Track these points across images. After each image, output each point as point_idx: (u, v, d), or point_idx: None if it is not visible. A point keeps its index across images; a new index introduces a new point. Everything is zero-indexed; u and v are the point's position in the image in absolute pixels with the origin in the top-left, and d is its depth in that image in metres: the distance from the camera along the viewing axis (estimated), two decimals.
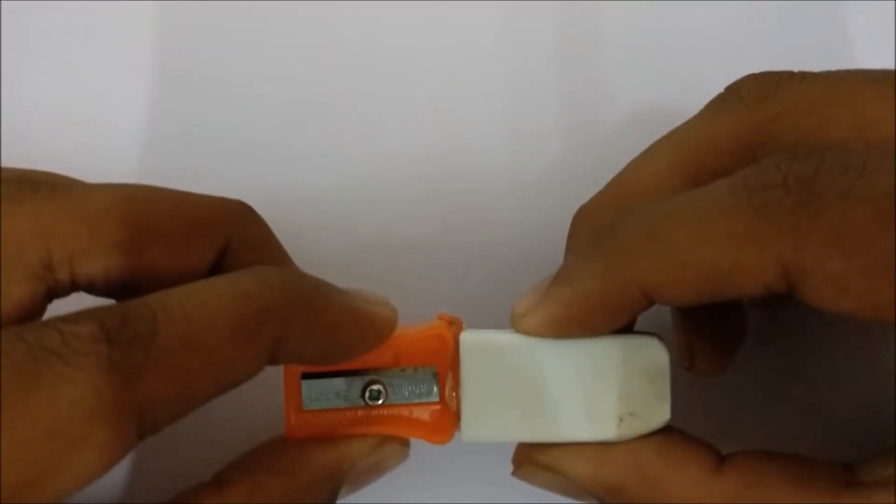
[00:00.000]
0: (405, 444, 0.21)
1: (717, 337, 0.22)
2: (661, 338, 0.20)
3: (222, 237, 0.20)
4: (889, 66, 0.27)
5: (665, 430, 0.20)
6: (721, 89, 0.21)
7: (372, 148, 0.28)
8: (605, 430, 0.19)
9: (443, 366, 0.20)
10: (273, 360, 0.18)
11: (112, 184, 0.20)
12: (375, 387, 0.20)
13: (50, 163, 0.22)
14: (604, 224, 0.19)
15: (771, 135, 0.19)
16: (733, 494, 0.18)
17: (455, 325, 0.20)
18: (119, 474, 0.25)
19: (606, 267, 0.18)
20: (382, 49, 0.29)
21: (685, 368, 0.22)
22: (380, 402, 0.20)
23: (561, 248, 0.24)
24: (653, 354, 0.20)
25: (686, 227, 0.17)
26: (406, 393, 0.20)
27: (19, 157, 0.23)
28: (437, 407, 0.20)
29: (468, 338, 0.20)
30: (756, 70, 0.21)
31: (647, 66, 0.29)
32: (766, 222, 0.16)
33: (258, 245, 0.21)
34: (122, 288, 0.19)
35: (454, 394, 0.20)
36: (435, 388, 0.20)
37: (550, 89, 0.28)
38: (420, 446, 0.21)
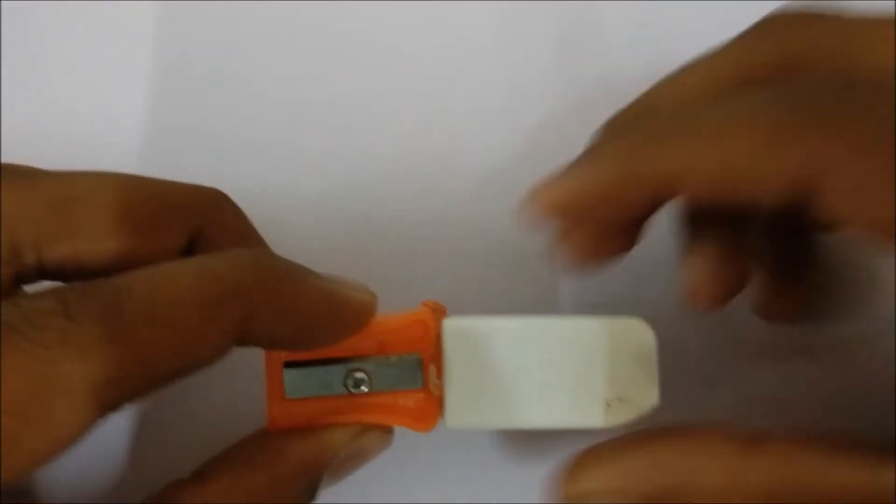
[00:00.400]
0: (388, 431, 0.20)
1: (719, 271, 0.21)
2: (646, 321, 0.19)
3: (194, 223, 0.20)
4: None
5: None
6: None
7: (372, 147, 0.28)
8: (593, 415, 0.19)
9: (426, 353, 0.20)
10: (243, 341, 0.17)
11: (82, 171, 0.20)
12: (358, 374, 0.20)
13: (50, 162, 0.22)
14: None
15: (806, 65, 0.18)
16: (770, 472, 0.17)
17: (438, 312, 0.20)
18: (110, 472, 0.25)
19: (630, 148, 0.18)
20: (383, 49, 0.29)
21: (687, 302, 0.21)
22: (363, 389, 0.20)
23: None
24: (639, 337, 0.19)
25: (712, 122, 0.17)
26: (389, 380, 0.20)
27: (19, 157, 0.23)
28: (421, 394, 0.20)
29: (451, 324, 0.20)
30: None
31: (647, 65, 0.28)
32: (794, 118, 0.16)
33: (232, 230, 0.20)
34: (92, 274, 0.19)
35: (438, 381, 0.20)
36: (419, 376, 0.20)
37: (550, 89, 0.28)
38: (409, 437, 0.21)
